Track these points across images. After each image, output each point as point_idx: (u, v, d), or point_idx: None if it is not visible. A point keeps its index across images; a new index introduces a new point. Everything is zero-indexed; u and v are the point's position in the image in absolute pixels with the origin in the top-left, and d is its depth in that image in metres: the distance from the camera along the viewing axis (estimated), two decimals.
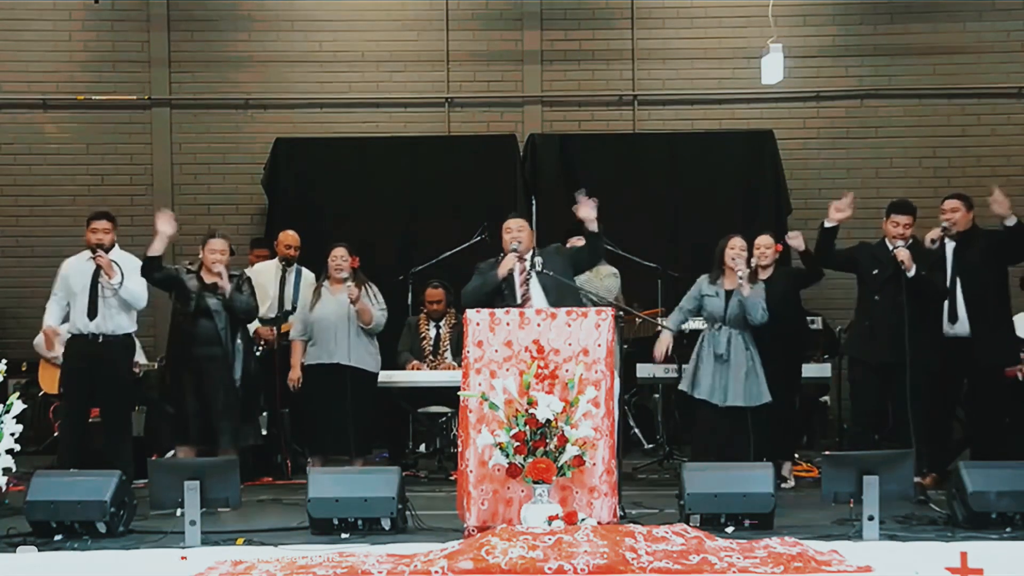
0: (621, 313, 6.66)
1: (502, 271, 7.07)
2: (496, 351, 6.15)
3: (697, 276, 7.67)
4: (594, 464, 6.04)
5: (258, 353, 8.62)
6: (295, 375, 8.20)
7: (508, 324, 6.17)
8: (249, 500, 7.07)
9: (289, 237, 9.13)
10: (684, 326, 7.96)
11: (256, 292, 8.86)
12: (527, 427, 5.87)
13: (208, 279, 7.73)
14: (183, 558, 5.65)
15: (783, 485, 7.50)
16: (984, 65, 11.10)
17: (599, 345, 6.13)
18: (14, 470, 6.13)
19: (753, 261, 7.59)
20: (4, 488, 6.17)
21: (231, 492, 6.22)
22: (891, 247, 7.54)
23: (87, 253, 7.84)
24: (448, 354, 8.85)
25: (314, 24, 11.24)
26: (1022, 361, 7.83)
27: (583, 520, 5.88)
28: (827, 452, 6.90)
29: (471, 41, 11.24)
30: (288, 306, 8.82)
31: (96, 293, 7.72)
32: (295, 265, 9.06)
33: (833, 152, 11.20)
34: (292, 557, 5.51)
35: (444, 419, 8.76)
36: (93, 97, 11.22)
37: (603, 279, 8.54)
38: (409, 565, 5.25)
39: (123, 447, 7.74)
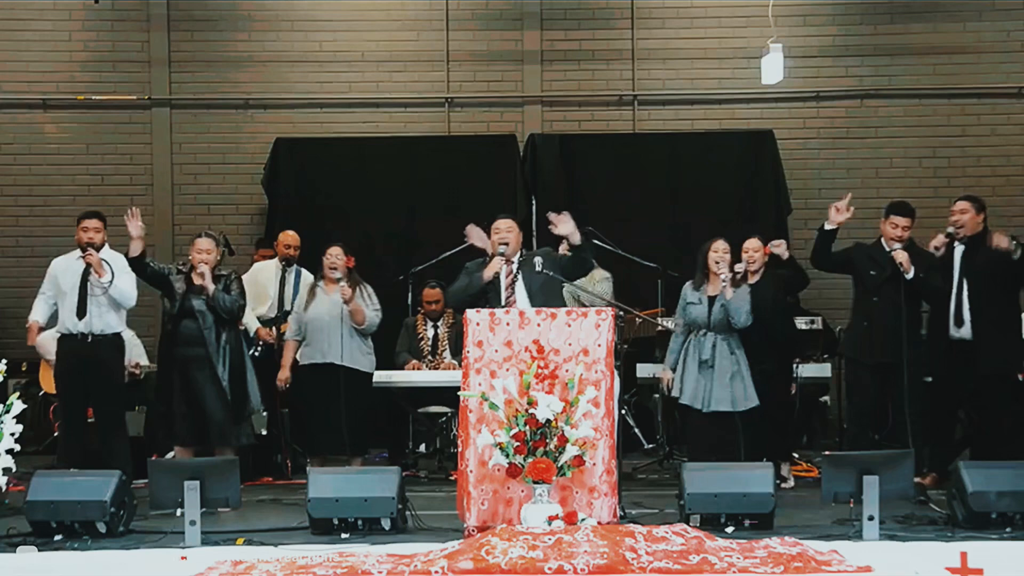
0: (621, 313, 6.65)
1: (488, 274, 7.00)
2: (496, 351, 6.15)
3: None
4: (594, 464, 6.04)
5: (257, 354, 8.63)
6: (284, 375, 8.20)
7: (508, 324, 6.17)
8: (249, 500, 7.07)
9: (289, 237, 9.13)
10: (671, 326, 7.95)
11: (256, 292, 8.89)
12: (527, 427, 5.87)
13: (196, 280, 7.73)
14: (183, 558, 5.65)
15: (783, 485, 7.49)
16: (984, 65, 11.10)
17: (599, 345, 6.13)
18: (14, 470, 6.12)
19: (743, 265, 7.57)
20: (4, 488, 6.17)
21: (231, 492, 6.21)
22: (888, 248, 7.53)
23: (77, 252, 7.84)
24: (447, 353, 8.85)
25: (314, 24, 11.25)
26: None
27: (583, 520, 5.88)
28: (827, 452, 6.90)
29: (471, 41, 11.24)
30: (288, 306, 8.81)
31: (85, 292, 7.71)
32: (295, 265, 9.06)
33: (833, 152, 11.21)
34: (292, 557, 5.51)
35: (444, 419, 8.76)
36: (93, 97, 11.22)
37: (596, 284, 8.56)
38: (409, 565, 5.25)
39: (118, 447, 7.74)
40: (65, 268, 7.86)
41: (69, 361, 7.76)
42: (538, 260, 7.01)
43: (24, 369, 9.81)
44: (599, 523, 5.87)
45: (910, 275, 7.39)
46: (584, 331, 6.14)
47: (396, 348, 8.99)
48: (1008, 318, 7.58)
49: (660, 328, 8.71)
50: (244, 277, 8.70)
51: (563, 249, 7.54)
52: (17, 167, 11.23)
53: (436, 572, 5.14)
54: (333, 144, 11.02)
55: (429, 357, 8.88)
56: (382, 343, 8.51)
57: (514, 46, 11.24)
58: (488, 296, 6.96)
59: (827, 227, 7.60)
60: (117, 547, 5.95)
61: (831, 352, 9.34)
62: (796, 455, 8.78)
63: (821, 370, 8.91)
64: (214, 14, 11.28)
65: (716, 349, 7.27)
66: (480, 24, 11.26)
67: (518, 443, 5.86)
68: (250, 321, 8.77)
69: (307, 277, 8.91)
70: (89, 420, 7.96)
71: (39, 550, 5.90)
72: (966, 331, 7.51)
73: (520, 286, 7.00)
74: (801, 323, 9.15)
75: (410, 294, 9.39)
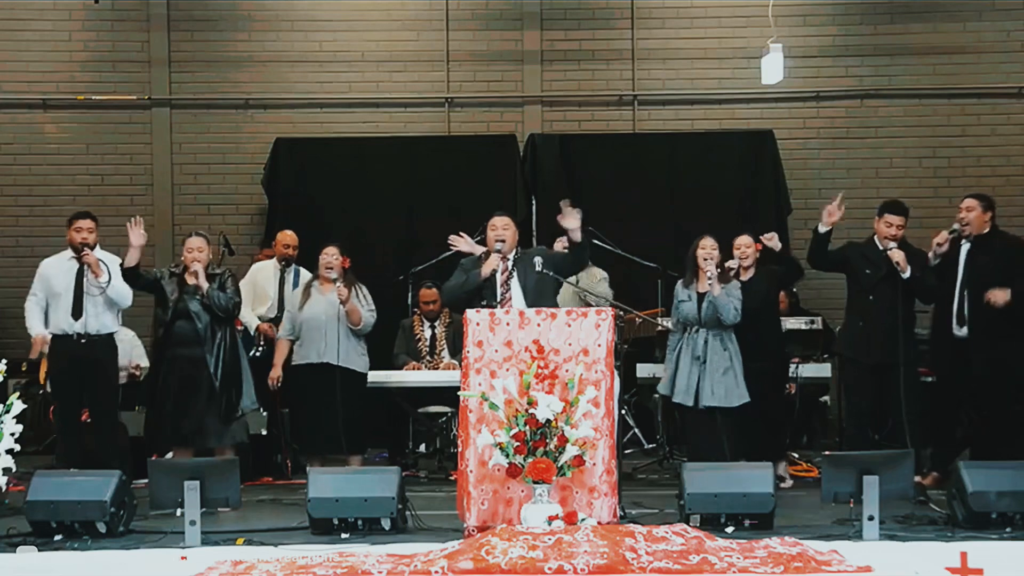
0: (621, 313, 6.65)
1: (485, 271, 7.00)
2: (496, 351, 6.14)
3: None
4: (594, 464, 6.04)
5: (258, 354, 8.63)
6: (276, 373, 8.18)
7: (508, 324, 6.17)
8: (249, 500, 7.06)
9: (287, 237, 9.12)
10: (664, 323, 7.97)
11: (256, 293, 8.89)
12: (527, 427, 5.86)
13: (190, 279, 7.72)
14: (183, 558, 5.65)
15: (780, 485, 7.49)
16: (984, 65, 11.11)
17: (599, 345, 6.13)
18: (14, 470, 6.12)
19: (735, 262, 7.57)
20: (4, 488, 6.17)
21: (231, 492, 6.21)
22: (882, 247, 7.51)
23: (67, 252, 7.83)
24: (445, 353, 8.85)
25: (314, 24, 11.25)
26: None
27: (583, 520, 5.87)
28: (827, 452, 6.90)
29: (471, 41, 11.24)
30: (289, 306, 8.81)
31: (81, 292, 7.70)
32: (294, 265, 9.05)
33: (833, 152, 11.21)
34: (292, 557, 5.51)
35: (444, 419, 8.76)
36: (93, 97, 11.22)
37: (596, 283, 8.54)
38: (409, 565, 5.25)
39: (114, 446, 7.74)
40: (57, 269, 7.83)
41: (63, 362, 7.75)
42: (538, 260, 7.01)
43: (24, 369, 9.81)
44: (599, 523, 5.87)
45: (907, 274, 7.38)
46: (584, 331, 6.14)
47: (394, 350, 8.99)
48: (1008, 320, 7.51)
49: (660, 328, 8.71)
50: (243, 278, 8.72)
51: (559, 246, 7.55)
52: (17, 167, 11.24)
53: (436, 572, 5.14)
54: (333, 144, 11.02)
55: (427, 357, 8.88)
56: (378, 344, 8.51)
57: (514, 46, 11.24)
58: (484, 293, 6.96)
59: (821, 229, 7.59)
60: (117, 547, 5.95)
61: (831, 352, 9.34)
62: (796, 455, 8.79)
63: (821, 370, 8.90)
64: (214, 14, 11.29)
65: (708, 345, 7.27)
66: (480, 24, 11.26)
67: (518, 443, 5.86)
68: (251, 320, 8.78)
69: (306, 276, 8.89)
70: (86, 421, 7.96)
71: (39, 550, 5.89)
72: (967, 330, 7.50)
73: (515, 284, 7.00)
74: (801, 323, 9.15)
75: (410, 294, 9.39)
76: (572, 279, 8.42)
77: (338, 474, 6.72)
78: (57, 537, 6.10)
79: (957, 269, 7.57)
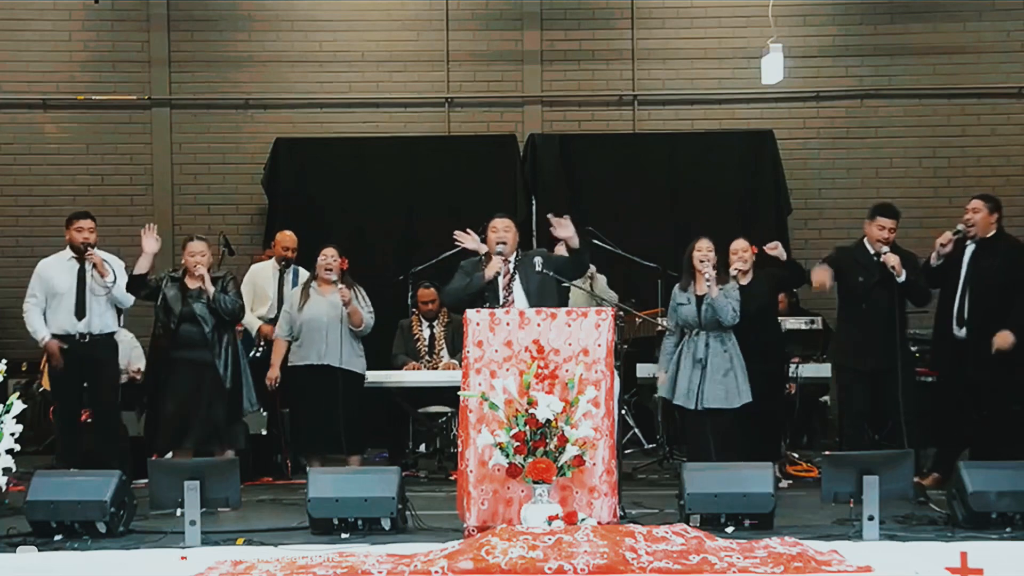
0: (621, 313, 6.65)
1: (489, 273, 6.98)
2: (496, 351, 6.14)
3: None
4: (594, 464, 6.04)
5: (259, 354, 8.63)
6: (274, 374, 8.15)
7: (508, 324, 6.17)
8: (249, 500, 7.06)
9: (287, 238, 9.11)
10: (664, 323, 7.98)
11: (256, 294, 8.89)
12: (527, 427, 5.87)
13: (192, 284, 7.71)
14: (183, 558, 5.65)
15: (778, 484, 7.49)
16: (984, 65, 11.11)
17: (599, 345, 6.12)
18: (14, 470, 6.12)
19: (737, 266, 7.56)
20: (4, 488, 6.17)
21: (231, 492, 6.21)
22: (872, 250, 7.46)
23: (66, 253, 7.82)
24: (444, 353, 8.85)
25: (314, 24, 11.25)
26: None
27: (583, 520, 5.88)
28: (827, 452, 6.89)
29: (471, 41, 11.24)
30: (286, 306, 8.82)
31: (84, 292, 7.70)
32: (293, 266, 9.05)
33: (833, 152, 11.21)
34: (292, 557, 5.51)
35: (444, 419, 8.76)
36: (93, 97, 11.22)
37: (606, 289, 8.57)
38: (409, 565, 5.25)
39: (116, 446, 7.74)
40: (58, 269, 7.82)
41: (64, 362, 7.74)
42: (538, 260, 7.01)
43: (24, 369, 9.81)
44: (599, 523, 5.87)
45: (902, 278, 7.36)
46: (584, 331, 6.14)
47: (393, 350, 8.98)
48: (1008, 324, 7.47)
49: (660, 328, 8.69)
50: (242, 279, 8.72)
51: (560, 250, 7.54)
52: (17, 167, 11.24)
53: (436, 572, 5.14)
54: (333, 144, 11.02)
55: (426, 357, 8.88)
56: (377, 344, 8.51)
57: (514, 46, 11.24)
58: (486, 296, 6.96)
59: (814, 285, 7.59)
60: (117, 547, 5.95)
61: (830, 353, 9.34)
62: (796, 455, 8.78)
63: (821, 370, 8.87)
64: (214, 14, 11.29)
65: (709, 348, 7.26)
66: (480, 24, 11.26)
67: (518, 443, 5.86)
68: (251, 321, 8.78)
69: (305, 277, 8.90)
70: (88, 421, 7.96)
71: (39, 550, 5.89)
72: (966, 332, 7.48)
73: (517, 286, 7.00)
74: (801, 323, 9.15)
75: (410, 294, 9.39)
76: (585, 285, 8.46)
77: (338, 474, 6.72)
78: (57, 537, 6.10)
79: (960, 270, 7.55)
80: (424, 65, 11.25)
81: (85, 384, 7.81)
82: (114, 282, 7.68)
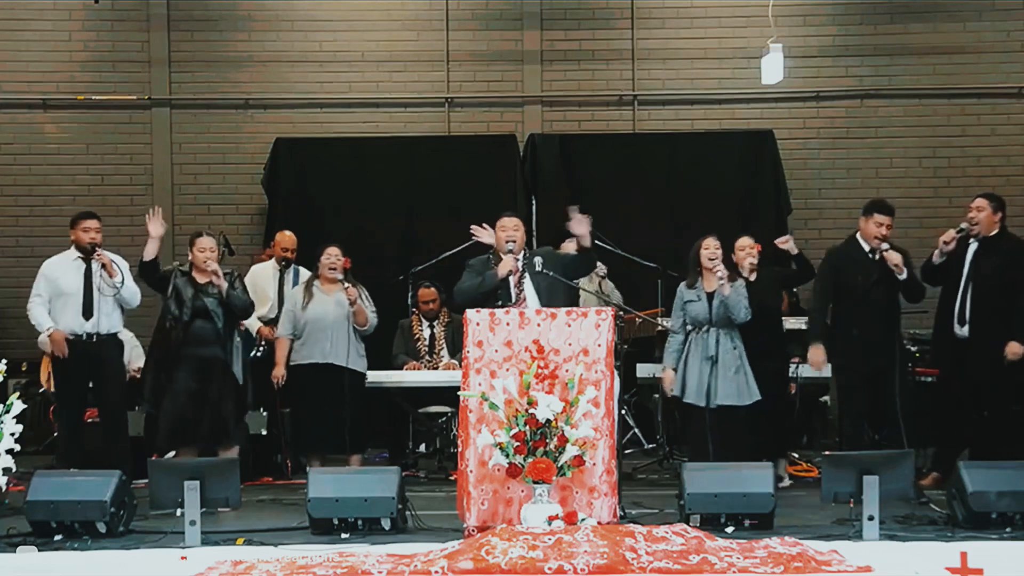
0: (621, 313, 6.65)
1: (502, 271, 6.98)
2: (496, 351, 6.14)
3: None
4: (594, 464, 6.04)
5: (259, 354, 8.63)
6: (280, 371, 8.14)
7: (508, 324, 6.17)
8: (249, 500, 7.06)
9: (286, 239, 9.11)
10: (664, 323, 7.97)
11: (256, 294, 8.88)
12: (527, 427, 5.87)
13: (201, 279, 7.69)
14: (183, 558, 5.65)
15: (779, 484, 7.48)
16: (984, 65, 11.11)
17: (599, 345, 6.12)
18: (14, 470, 6.12)
19: (749, 261, 7.56)
20: (4, 488, 6.17)
21: (231, 492, 6.21)
22: (869, 248, 7.44)
23: (72, 253, 7.81)
24: (444, 353, 8.85)
25: (314, 24, 11.25)
26: None
27: (583, 520, 5.88)
28: (827, 452, 6.89)
29: (471, 41, 11.24)
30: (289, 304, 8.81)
31: (91, 292, 7.70)
32: (293, 265, 9.05)
33: (833, 152, 11.21)
34: (292, 557, 5.51)
35: (444, 419, 8.76)
36: (93, 97, 11.22)
37: (613, 291, 8.56)
38: (409, 565, 5.25)
39: (121, 446, 7.74)
40: (64, 269, 7.81)
41: (71, 362, 7.73)
42: (538, 260, 7.01)
43: (24, 369, 9.81)
44: (599, 523, 5.87)
45: (904, 275, 7.34)
46: (584, 331, 6.14)
47: (393, 350, 8.98)
48: (1009, 324, 7.45)
49: (660, 328, 8.70)
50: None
51: (568, 247, 7.54)
52: (17, 167, 11.24)
53: (436, 572, 5.14)
54: (333, 144, 11.02)
55: (426, 357, 8.88)
56: (377, 344, 8.50)
57: (514, 46, 11.24)
58: (499, 294, 6.94)
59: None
60: (117, 547, 5.95)
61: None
62: (796, 455, 8.78)
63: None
64: (214, 14, 11.29)
65: (720, 345, 7.26)
66: (480, 24, 11.26)
67: (518, 443, 5.86)
68: (251, 322, 8.77)
69: (306, 276, 8.90)
70: (89, 421, 7.95)
71: (39, 550, 5.89)
72: (967, 330, 7.48)
73: (528, 284, 7.00)
74: (801, 323, 9.12)
75: (410, 294, 9.39)
76: (592, 287, 8.46)
77: (338, 474, 6.72)
78: (57, 537, 6.10)
79: (962, 268, 7.54)
80: (424, 65, 11.25)
81: (91, 384, 7.80)
82: (122, 282, 7.69)
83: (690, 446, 7.59)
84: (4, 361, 6.28)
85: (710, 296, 7.31)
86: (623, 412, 7.70)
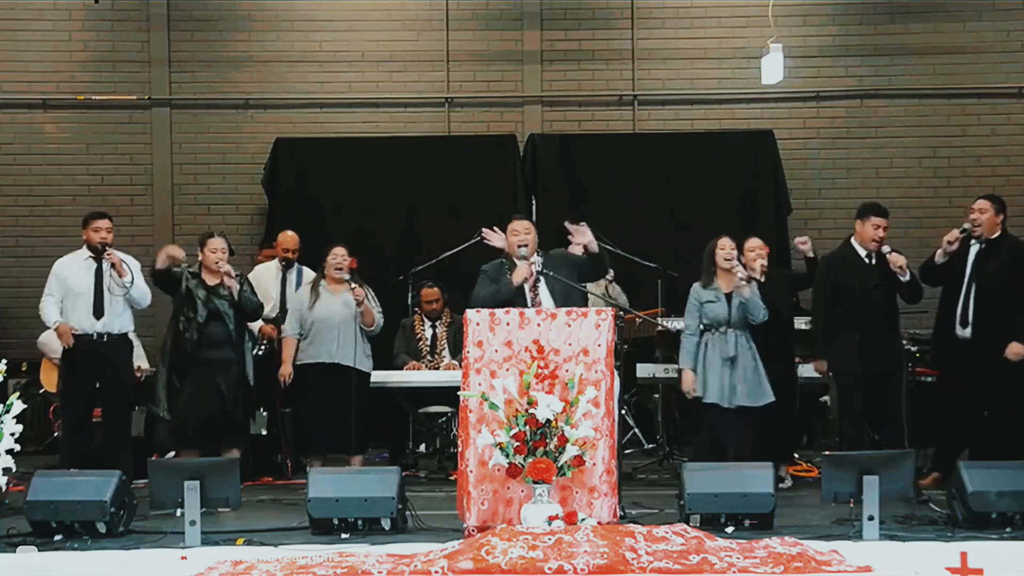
0: (621, 313, 6.65)
1: (517, 279, 6.88)
2: (496, 351, 6.14)
3: (697, 277, 7.60)
4: (594, 464, 6.04)
5: (260, 353, 8.63)
6: (287, 370, 8.12)
7: (508, 324, 6.17)
8: (249, 500, 7.06)
9: (288, 240, 9.12)
10: (672, 326, 7.94)
11: (259, 294, 8.88)
12: (527, 427, 5.87)
13: (212, 280, 7.70)
14: (183, 558, 5.65)
15: (780, 485, 7.48)
16: (984, 65, 11.10)
17: (599, 345, 6.13)
18: (14, 470, 6.12)
19: (760, 264, 7.56)
20: (4, 488, 6.17)
21: (231, 492, 6.21)
22: (864, 251, 7.43)
23: (83, 252, 7.82)
24: (446, 353, 8.85)
25: (314, 24, 11.25)
26: None
27: (583, 520, 5.88)
28: (827, 452, 6.89)
29: (471, 41, 11.24)
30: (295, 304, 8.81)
31: (102, 292, 7.71)
32: (295, 265, 9.06)
33: (833, 152, 11.21)
34: (292, 557, 5.51)
35: (444, 419, 8.76)
36: (93, 97, 11.22)
37: (617, 297, 8.58)
38: (409, 565, 5.25)
39: (125, 447, 7.74)
40: (75, 269, 7.81)
41: (80, 361, 7.73)
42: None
43: (24, 369, 9.80)
44: (599, 523, 5.87)
45: (907, 277, 7.34)
46: (584, 331, 6.14)
47: (394, 350, 8.99)
48: (1011, 325, 7.44)
49: (660, 328, 8.71)
50: None
51: (576, 249, 7.52)
52: (17, 167, 11.23)
53: (436, 572, 5.14)
54: (333, 144, 11.02)
55: (428, 357, 8.88)
56: (379, 343, 8.50)
57: (514, 46, 11.24)
58: (515, 301, 6.87)
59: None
60: (117, 547, 5.95)
61: None
62: (796, 455, 8.78)
63: None
64: (214, 14, 11.28)
65: (738, 345, 7.27)
66: (480, 24, 11.26)
67: (518, 443, 5.86)
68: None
69: (309, 276, 8.89)
70: (94, 420, 7.95)
71: (39, 550, 5.90)
72: (970, 332, 7.48)
73: (543, 287, 6.94)
74: (801, 323, 9.13)
75: (410, 294, 9.39)
76: (599, 289, 8.46)
77: (338, 474, 6.73)
78: (57, 537, 6.11)
79: (963, 269, 7.53)
80: (424, 65, 11.24)
81: (97, 384, 7.79)
82: (132, 282, 7.70)
83: (700, 446, 7.55)
84: (4, 361, 6.28)
85: (728, 296, 7.31)
86: (623, 412, 7.70)
